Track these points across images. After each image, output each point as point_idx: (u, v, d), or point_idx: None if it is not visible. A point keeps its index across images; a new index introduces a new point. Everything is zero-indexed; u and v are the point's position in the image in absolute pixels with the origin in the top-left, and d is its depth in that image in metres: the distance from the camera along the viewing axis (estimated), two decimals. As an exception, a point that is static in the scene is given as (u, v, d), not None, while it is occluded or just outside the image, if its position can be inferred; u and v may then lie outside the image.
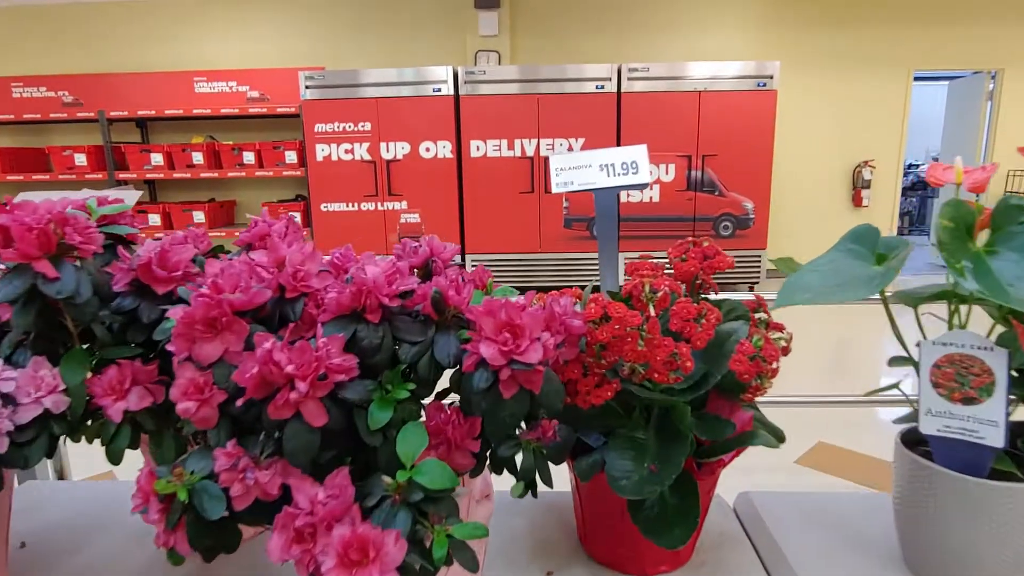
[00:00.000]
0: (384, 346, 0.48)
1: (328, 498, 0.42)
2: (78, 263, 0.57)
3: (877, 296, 0.60)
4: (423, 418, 0.51)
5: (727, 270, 0.72)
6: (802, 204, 6.52)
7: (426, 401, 0.52)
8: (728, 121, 5.53)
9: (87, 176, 6.37)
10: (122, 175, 6.35)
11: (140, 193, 1.89)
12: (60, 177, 6.41)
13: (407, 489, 0.44)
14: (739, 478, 1.00)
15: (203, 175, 6.27)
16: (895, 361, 0.68)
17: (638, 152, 0.91)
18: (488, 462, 0.54)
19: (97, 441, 0.58)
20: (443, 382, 0.55)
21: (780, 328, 0.65)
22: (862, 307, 2.15)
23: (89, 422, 0.59)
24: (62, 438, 0.59)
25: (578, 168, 0.90)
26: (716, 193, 5.66)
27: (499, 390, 0.45)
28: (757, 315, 0.70)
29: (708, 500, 0.71)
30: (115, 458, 0.56)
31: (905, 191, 8.83)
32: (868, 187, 6.41)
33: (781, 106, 5.67)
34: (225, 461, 0.45)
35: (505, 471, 0.55)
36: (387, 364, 0.48)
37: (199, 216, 6.40)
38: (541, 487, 0.57)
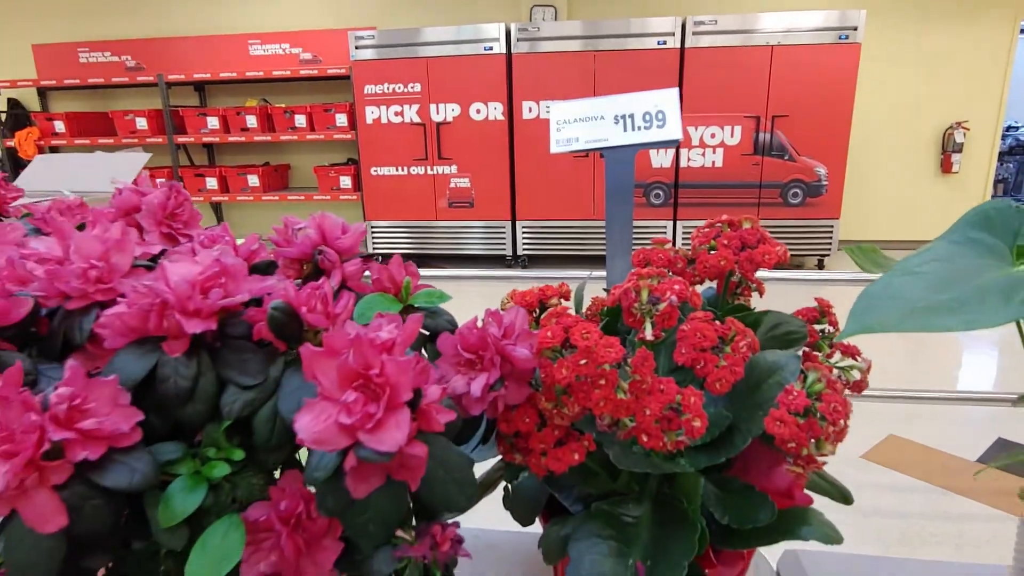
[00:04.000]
0: (200, 390, 0.30)
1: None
2: None
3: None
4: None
5: (793, 243, 0.51)
6: (882, 170, 5.97)
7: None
8: (803, 78, 5.06)
9: (148, 140, 6.48)
10: (180, 139, 6.42)
11: (148, 156, 1.78)
12: (123, 141, 6.54)
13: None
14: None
15: (257, 138, 6.26)
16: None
17: (666, 99, 0.68)
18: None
19: None
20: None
21: (853, 353, 0.44)
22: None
23: None
24: None
25: (587, 120, 0.68)
26: (786, 157, 5.23)
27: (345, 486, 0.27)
28: (819, 327, 0.49)
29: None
30: None
31: (1001, 156, 8.03)
32: (960, 151, 5.79)
33: (864, 61, 5.15)
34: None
35: None
36: (206, 417, 0.31)
37: (253, 180, 6.42)
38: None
